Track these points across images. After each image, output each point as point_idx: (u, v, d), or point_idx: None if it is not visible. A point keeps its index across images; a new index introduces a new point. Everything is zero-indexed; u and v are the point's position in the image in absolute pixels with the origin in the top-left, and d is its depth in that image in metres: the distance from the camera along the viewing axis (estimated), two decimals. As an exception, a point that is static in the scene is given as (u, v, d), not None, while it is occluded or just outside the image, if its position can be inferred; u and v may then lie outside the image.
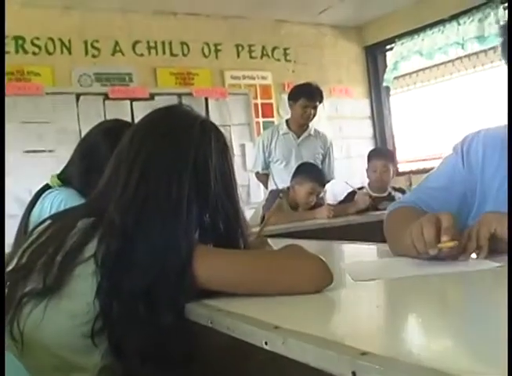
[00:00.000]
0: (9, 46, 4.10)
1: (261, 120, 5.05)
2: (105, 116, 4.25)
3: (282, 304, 0.93)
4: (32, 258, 1.05)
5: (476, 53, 4.72)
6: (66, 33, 4.31)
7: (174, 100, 4.37)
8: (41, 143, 4.09)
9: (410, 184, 4.54)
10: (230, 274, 1.02)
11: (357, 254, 1.66)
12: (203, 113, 1.26)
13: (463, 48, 4.66)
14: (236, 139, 4.79)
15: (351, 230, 2.87)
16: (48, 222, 1.14)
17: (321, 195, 3.53)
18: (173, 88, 4.65)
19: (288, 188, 3.39)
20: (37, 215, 1.74)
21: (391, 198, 3.30)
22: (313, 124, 3.98)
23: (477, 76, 4.78)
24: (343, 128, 5.41)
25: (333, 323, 0.88)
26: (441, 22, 4.77)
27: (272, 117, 5.11)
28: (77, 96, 4.28)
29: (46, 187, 1.84)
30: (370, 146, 5.26)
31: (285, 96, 4.34)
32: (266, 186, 4.05)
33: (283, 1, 4.65)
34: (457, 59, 4.89)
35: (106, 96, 4.37)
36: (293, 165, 3.65)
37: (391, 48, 5.31)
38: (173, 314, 0.99)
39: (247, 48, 5.06)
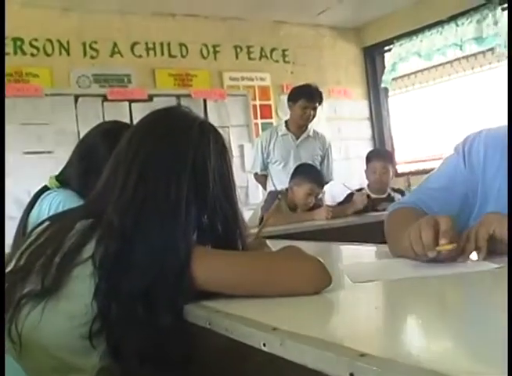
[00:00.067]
0: (8, 47, 4.10)
1: (259, 121, 5.05)
2: (103, 117, 4.24)
3: (280, 305, 0.93)
4: (30, 259, 1.05)
5: (474, 54, 4.73)
6: (64, 34, 4.31)
7: (172, 101, 4.38)
8: (40, 144, 4.09)
9: (409, 185, 4.55)
10: (228, 275, 1.02)
11: (355, 255, 1.66)
12: (201, 115, 1.26)
13: (461, 49, 4.66)
14: (234, 140, 4.78)
15: (350, 231, 2.86)
16: (47, 223, 1.14)
17: (319, 196, 3.53)
18: (171, 89, 4.65)
19: (287, 189, 3.39)
20: (35, 217, 1.74)
21: (390, 199, 3.30)
22: (312, 126, 3.97)
23: (475, 77, 4.79)
24: (341, 129, 5.40)
25: (332, 324, 0.88)
26: (440, 23, 4.78)
27: (271, 118, 5.10)
28: (76, 98, 4.27)
29: (45, 189, 1.83)
30: (369, 148, 5.26)
31: (283, 97, 4.35)
32: (265, 187, 4.04)
33: (281, 2, 4.66)
34: (455, 60, 4.89)
35: (104, 98, 4.37)
36: (292, 166, 3.64)
37: (390, 50, 5.31)
38: (171, 315, 0.99)
39: (246, 50, 5.06)
